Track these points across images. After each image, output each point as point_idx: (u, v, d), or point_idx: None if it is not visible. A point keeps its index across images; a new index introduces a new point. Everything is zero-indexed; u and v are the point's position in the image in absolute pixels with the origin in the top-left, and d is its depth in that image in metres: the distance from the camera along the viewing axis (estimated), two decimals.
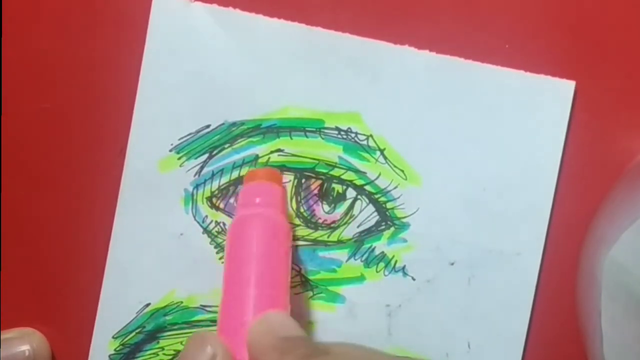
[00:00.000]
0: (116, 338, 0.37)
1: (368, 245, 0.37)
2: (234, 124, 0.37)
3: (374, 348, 0.35)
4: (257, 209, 0.34)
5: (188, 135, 0.37)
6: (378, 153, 0.37)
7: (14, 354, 0.36)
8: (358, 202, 0.37)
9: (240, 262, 0.32)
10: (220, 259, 0.37)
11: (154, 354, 0.37)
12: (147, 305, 0.37)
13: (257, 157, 0.37)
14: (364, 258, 0.37)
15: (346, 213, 0.37)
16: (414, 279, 0.37)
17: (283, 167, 0.37)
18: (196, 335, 0.31)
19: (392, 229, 0.37)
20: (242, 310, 0.31)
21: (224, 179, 0.37)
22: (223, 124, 0.37)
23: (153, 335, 0.37)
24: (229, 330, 0.31)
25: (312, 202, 0.37)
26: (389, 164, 0.37)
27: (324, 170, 0.37)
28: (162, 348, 0.37)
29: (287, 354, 0.29)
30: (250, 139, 0.37)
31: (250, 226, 0.33)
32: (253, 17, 0.36)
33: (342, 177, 0.37)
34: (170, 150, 0.37)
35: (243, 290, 0.32)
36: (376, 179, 0.37)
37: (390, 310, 0.37)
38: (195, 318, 0.37)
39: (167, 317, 0.37)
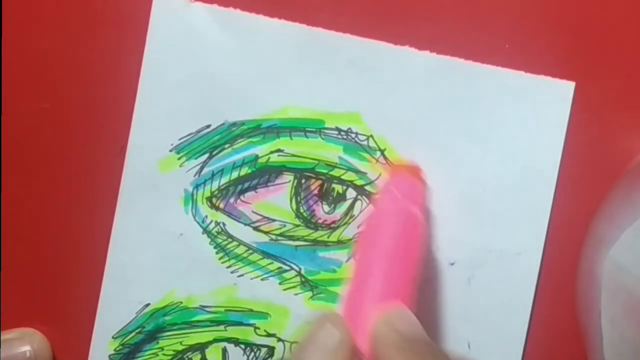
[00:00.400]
0: (116, 338, 0.37)
1: None
2: (234, 124, 0.37)
3: None
4: (398, 203, 0.33)
5: (188, 135, 0.37)
6: (378, 153, 0.37)
7: (15, 354, 0.36)
8: (358, 203, 0.37)
9: (374, 252, 0.32)
10: (220, 259, 0.37)
11: (153, 354, 0.37)
12: (147, 305, 0.37)
13: (257, 157, 0.37)
14: None
15: (346, 213, 0.37)
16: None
17: (283, 167, 0.37)
18: (324, 316, 0.30)
19: None
20: (368, 300, 0.31)
21: (224, 179, 0.37)
22: (223, 124, 0.37)
23: (153, 336, 0.37)
24: (353, 317, 0.31)
25: (312, 203, 0.37)
26: (389, 164, 0.37)
27: (324, 171, 0.37)
28: (162, 348, 0.37)
29: (409, 354, 0.28)
30: (251, 139, 0.37)
31: (389, 220, 0.33)
32: (253, 17, 0.36)
33: (342, 177, 0.37)
34: (170, 150, 0.37)
35: (372, 280, 0.31)
36: (376, 179, 0.37)
37: None
38: (195, 318, 0.37)
39: (167, 318, 0.37)
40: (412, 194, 0.34)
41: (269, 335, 0.38)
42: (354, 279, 0.32)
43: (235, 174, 0.37)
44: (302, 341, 0.30)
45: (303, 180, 0.37)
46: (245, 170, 0.37)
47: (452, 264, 0.37)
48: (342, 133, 0.37)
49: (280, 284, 0.37)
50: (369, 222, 0.33)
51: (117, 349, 0.37)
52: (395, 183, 0.35)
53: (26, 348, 0.36)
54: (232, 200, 0.37)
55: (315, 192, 0.37)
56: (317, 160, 0.37)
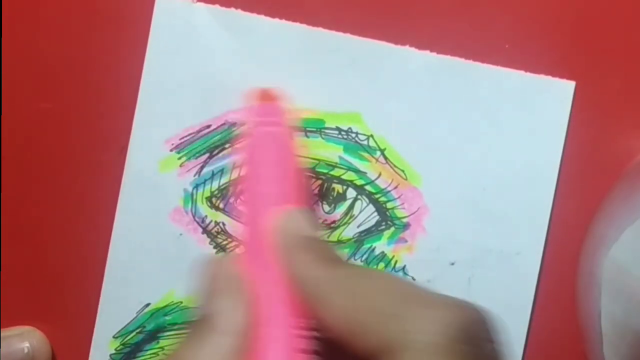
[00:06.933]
0: (117, 338, 0.37)
1: (368, 245, 0.37)
2: (234, 124, 0.37)
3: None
4: (261, 127, 0.33)
5: (189, 135, 0.37)
6: (378, 153, 0.37)
7: (14, 351, 0.36)
8: (358, 202, 0.37)
9: (258, 176, 0.32)
10: None
11: (154, 353, 0.37)
12: (147, 305, 0.37)
13: None
14: (364, 258, 0.37)
15: (346, 213, 0.37)
16: (414, 279, 0.37)
17: None
18: (216, 258, 0.31)
19: (392, 229, 0.37)
20: (263, 208, 0.31)
21: (224, 179, 0.37)
22: (224, 124, 0.37)
23: (153, 335, 0.37)
24: (252, 236, 0.31)
25: (312, 202, 0.37)
26: (389, 164, 0.37)
27: (324, 170, 0.37)
28: (162, 348, 0.37)
29: (310, 252, 0.29)
30: None
31: (259, 143, 0.33)
32: (254, 17, 0.37)
33: (343, 177, 0.37)
34: (171, 150, 0.37)
35: (261, 193, 0.31)
36: (376, 179, 0.37)
37: None
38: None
39: (167, 317, 0.37)
40: (270, 115, 0.34)
41: None
42: (247, 205, 0.32)
43: (235, 174, 0.37)
44: (203, 287, 0.30)
45: None
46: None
47: (452, 264, 0.37)
48: (343, 133, 0.37)
49: None
50: (246, 153, 0.33)
51: (118, 348, 0.37)
52: (255, 111, 0.34)
53: (25, 345, 0.36)
54: (232, 200, 0.37)
55: (316, 191, 0.37)
56: (318, 160, 0.37)
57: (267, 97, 0.34)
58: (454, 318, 0.25)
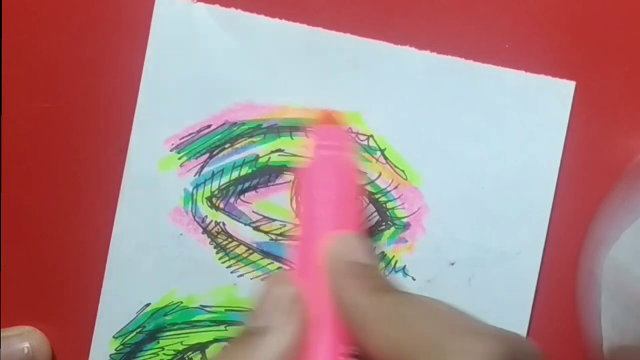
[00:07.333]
0: (117, 338, 0.37)
1: None
2: (234, 124, 0.37)
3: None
4: (323, 151, 0.33)
5: (189, 135, 0.37)
6: (378, 153, 0.37)
7: (13, 351, 0.36)
8: None
9: (316, 203, 0.32)
10: (220, 259, 0.37)
11: (154, 353, 0.37)
12: (147, 305, 0.37)
13: (257, 157, 0.37)
14: None
15: None
16: (414, 279, 0.37)
17: (283, 167, 0.37)
18: (273, 277, 0.30)
19: (392, 229, 0.37)
20: (319, 235, 0.30)
21: (224, 179, 0.37)
22: (224, 124, 0.37)
23: (153, 335, 0.37)
24: (304, 258, 0.31)
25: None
26: (389, 164, 0.37)
27: None
28: (162, 348, 0.37)
29: (359, 279, 0.28)
30: (251, 139, 0.37)
31: (321, 169, 0.32)
32: (254, 17, 0.37)
33: None
34: (171, 150, 0.37)
35: (319, 222, 0.31)
36: (376, 179, 0.37)
37: None
38: (195, 318, 0.37)
39: (167, 317, 0.37)
40: (332, 139, 0.33)
41: None
42: (303, 228, 0.32)
43: (235, 174, 0.37)
44: (257, 303, 0.29)
45: None
46: (245, 170, 0.37)
47: (452, 264, 0.37)
48: None
49: None
50: (305, 178, 0.33)
51: (118, 348, 0.37)
52: (317, 135, 0.34)
53: (25, 345, 0.36)
54: (232, 200, 0.37)
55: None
56: None
57: (328, 120, 0.34)
58: (498, 350, 0.24)
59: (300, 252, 0.31)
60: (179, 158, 0.37)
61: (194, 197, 0.37)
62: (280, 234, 0.37)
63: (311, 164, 0.33)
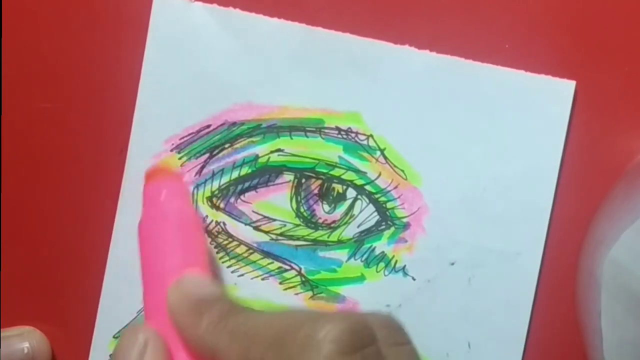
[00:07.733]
0: (117, 338, 0.37)
1: (368, 245, 0.37)
2: (234, 124, 0.37)
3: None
4: (159, 207, 0.34)
5: (188, 135, 0.37)
6: (378, 153, 0.37)
7: (13, 351, 0.36)
8: (358, 202, 0.37)
9: (157, 252, 0.33)
10: (220, 259, 0.37)
11: None
12: None
13: (257, 157, 0.37)
14: (364, 258, 0.37)
15: (346, 213, 0.37)
16: (414, 279, 0.37)
17: (283, 167, 0.37)
18: (126, 330, 0.32)
19: (392, 229, 0.37)
20: (162, 283, 0.32)
21: (224, 179, 0.37)
22: (223, 124, 0.37)
23: None
24: (153, 308, 0.32)
25: (313, 202, 0.37)
26: (389, 164, 0.37)
27: (324, 170, 0.37)
28: None
29: (203, 315, 0.29)
30: (251, 139, 0.37)
31: (157, 224, 0.33)
32: (253, 17, 0.37)
33: (343, 177, 0.37)
34: (171, 150, 0.37)
35: (160, 267, 0.32)
36: (376, 178, 0.37)
37: (391, 310, 0.37)
38: None
39: None
40: (166, 192, 0.34)
41: None
42: (147, 277, 0.33)
43: (235, 174, 0.37)
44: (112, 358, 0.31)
45: (303, 180, 0.37)
46: (245, 170, 0.37)
47: (452, 264, 0.37)
48: (342, 132, 0.37)
49: (280, 283, 0.37)
50: (145, 232, 0.34)
51: None
52: (150, 192, 0.34)
53: (25, 345, 0.36)
54: (232, 199, 0.37)
55: (316, 191, 0.37)
56: (317, 159, 0.37)
57: (156, 174, 0.35)
58: (339, 326, 0.25)
59: (147, 299, 0.32)
60: (179, 158, 0.37)
61: (194, 197, 0.37)
62: (281, 234, 0.37)
63: (150, 220, 0.33)
